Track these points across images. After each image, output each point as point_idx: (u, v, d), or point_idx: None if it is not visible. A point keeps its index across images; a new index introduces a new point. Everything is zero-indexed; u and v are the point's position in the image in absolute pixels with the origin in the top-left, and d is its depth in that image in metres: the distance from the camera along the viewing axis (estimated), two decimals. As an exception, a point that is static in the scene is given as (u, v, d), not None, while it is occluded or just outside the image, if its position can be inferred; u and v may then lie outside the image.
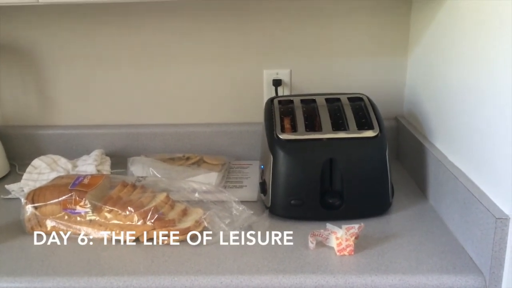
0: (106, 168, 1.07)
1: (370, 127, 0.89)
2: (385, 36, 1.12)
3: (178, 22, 1.13)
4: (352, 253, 0.76)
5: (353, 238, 0.76)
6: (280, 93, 1.15)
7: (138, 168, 1.04)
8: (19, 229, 0.86)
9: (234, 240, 0.81)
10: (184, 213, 0.86)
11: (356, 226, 0.77)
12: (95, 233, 0.83)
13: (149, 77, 1.17)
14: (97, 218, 0.84)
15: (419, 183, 1.00)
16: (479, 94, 0.76)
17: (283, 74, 1.15)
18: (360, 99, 0.97)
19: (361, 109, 0.95)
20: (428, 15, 0.99)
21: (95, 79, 1.18)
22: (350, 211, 0.86)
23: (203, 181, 0.98)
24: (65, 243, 0.82)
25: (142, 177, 0.95)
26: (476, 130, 0.77)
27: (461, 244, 0.78)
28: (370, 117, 0.92)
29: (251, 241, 0.81)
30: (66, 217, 0.84)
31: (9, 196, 1.00)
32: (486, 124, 0.74)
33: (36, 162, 1.06)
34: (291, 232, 0.83)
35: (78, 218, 0.84)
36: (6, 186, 1.03)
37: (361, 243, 0.78)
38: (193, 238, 0.82)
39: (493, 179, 0.72)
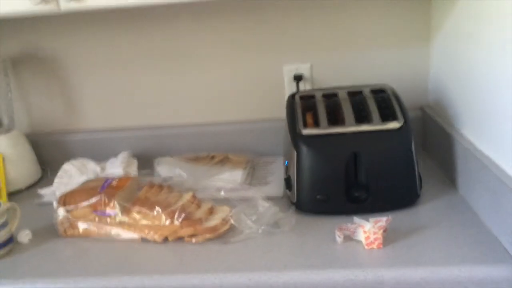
0: (133, 170, 1.09)
1: (394, 118, 0.88)
2: (406, 24, 1.10)
3: (197, 23, 1.14)
4: (381, 246, 0.75)
5: (381, 231, 0.75)
6: (301, 88, 1.15)
7: (164, 169, 1.05)
8: (53, 232, 0.89)
9: (261, 237, 0.81)
10: (211, 211, 0.87)
11: (384, 219, 0.76)
12: (125, 234, 0.85)
13: (171, 79, 1.19)
14: (127, 219, 0.85)
15: (447, 174, 0.98)
16: (507, 79, 0.74)
17: (304, 69, 1.15)
18: (383, 90, 0.96)
19: (384, 100, 0.93)
20: (450, 1, 0.96)
21: (118, 83, 1.20)
22: (377, 204, 0.85)
23: (229, 179, 0.99)
24: (96, 244, 0.84)
25: (168, 177, 0.96)
26: (506, 116, 0.75)
27: (494, 234, 0.76)
28: (394, 108, 0.90)
29: (278, 237, 0.81)
30: (96, 219, 0.86)
31: (42, 201, 1.03)
32: (515, 110, 0.72)
33: (67, 166, 1.09)
34: (318, 227, 0.83)
35: (108, 220, 0.86)
36: (39, 191, 1.06)
37: (389, 236, 0.77)
38: (220, 236, 0.83)
39: (524, 167, 0.70)
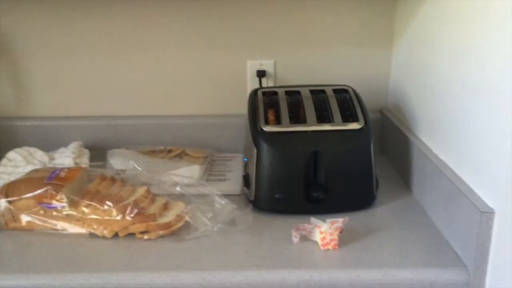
0: (84, 161, 1.04)
1: (355, 119, 0.88)
2: (370, 27, 1.11)
3: (160, 11, 1.10)
4: (336, 247, 0.75)
5: (338, 232, 0.75)
6: (264, 84, 1.13)
7: (118, 161, 1.01)
8: (-7, 224, 0.83)
9: (217, 235, 0.79)
10: (165, 207, 0.84)
11: (341, 220, 0.76)
12: (72, 228, 0.81)
13: (130, 68, 1.14)
14: (74, 213, 0.81)
15: (403, 176, 1.00)
16: (464, 86, 0.75)
17: (267, 65, 1.13)
18: (345, 91, 0.96)
19: (346, 101, 0.93)
20: (414, 6, 0.98)
21: (73, 68, 1.14)
22: (334, 204, 0.85)
23: (185, 174, 0.96)
24: (40, 238, 0.80)
25: (122, 170, 0.93)
26: (461, 123, 0.77)
27: (446, 238, 0.78)
28: (355, 109, 0.90)
29: (234, 235, 0.80)
30: (41, 211, 0.82)
31: (-18, 190, 0.96)
32: (470, 117, 0.73)
33: (11, 154, 1.02)
34: (275, 226, 0.82)
35: (55, 213, 0.81)
36: (-21, 180, 0.99)
37: (345, 237, 0.77)
38: (174, 233, 0.80)
39: (477, 172, 0.71)
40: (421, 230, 0.81)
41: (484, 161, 0.69)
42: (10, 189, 0.83)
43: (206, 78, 1.15)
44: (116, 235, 0.80)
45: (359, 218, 0.85)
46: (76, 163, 1.01)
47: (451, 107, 0.80)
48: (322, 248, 0.75)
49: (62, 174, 0.85)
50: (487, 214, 0.66)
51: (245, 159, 0.93)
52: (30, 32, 1.11)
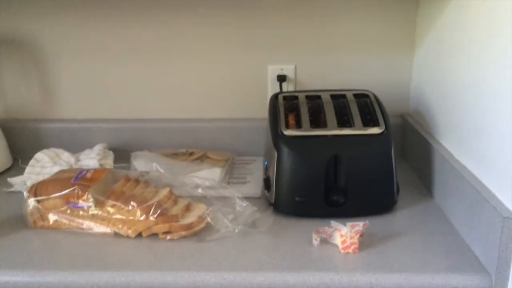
0: (109, 163, 1.06)
1: (376, 124, 0.88)
2: (392, 32, 1.11)
3: (184, 17, 1.12)
4: (357, 251, 0.76)
5: (358, 235, 0.76)
6: (284, 89, 1.14)
7: (141, 163, 1.03)
8: (22, 223, 0.86)
9: (238, 237, 0.80)
10: (187, 208, 0.86)
11: (361, 223, 0.76)
12: (98, 228, 0.83)
13: (153, 72, 1.17)
14: (100, 213, 0.83)
15: (424, 181, 0.99)
16: (486, 91, 0.75)
17: (288, 70, 1.14)
18: (366, 95, 0.96)
19: (367, 105, 0.94)
20: (435, 11, 0.97)
21: (99, 72, 1.17)
22: (354, 208, 0.86)
23: (206, 176, 0.98)
24: (67, 237, 0.82)
25: (145, 172, 0.95)
26: (483, 127, 0.76)
27: (467, 243, 0.77)
28: (376, 114, 0.91)
29: (254, 237, 0.81)
30: (68, 211, 0.84)
31: (12, 190, 0.99)
32: (492, 121, 0.73)
33: (39, 155, 1.06)
34: (295, 229, 0.82)
35: (81, 212, 0.84)
36: (9, 180, 1.02)
37: (365, 241, 0.77)
38: (196, 234, 0.81)
39: (500, 178, 0.71)
40: (442, 235, 0.81)
41: (506, 166, 0.69)
42: (39, 189, 0.86)
43: (227, 82, 1.16)
44: (139, 235, 0.81)
45: (380, 222, 0.85)
46: (101, 165, 1.04)
47: (472, 112, 0.80)
48: (342, 251, 0.76)
49: (88, 175, 0.87)
50: (509, 220, 0.66)
51: (265, 163, 0.94)
52: (58, 38, 1.15)
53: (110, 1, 1.11)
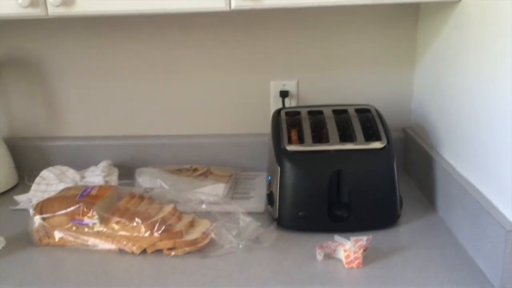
0: (113, 179, 1.07)
1: (378, 138, 0.89)
2: (392, 48, 1.13)
3: (186, 35, 1.14)
4: (361, 265, 0.76)
5: (362, 250, 0.76)
6: (287, 104, 1.15)
7: (146, 179, 1.04)
8: (27, 240, 0.86)
9: (241, 252, 0.81)
10: (191, 224, 0.86)
11: (365, 238, 0.76)
12: (103, 244, 0.83)
13: (156, 89, 1.18)
14: (105, 229, 0.84)
15: (427, 195, 0.99)
16: (486, 105, 0.76)
17: (290, 86, 1.16)
18: (368, 110, 0.97)
19: (369, 120, 0.94)
20: (435, 27, 0.99)
21: (102, 90, 1.19)
22: (358, 223, 0.86)
23: (210, 192, 0.98)
24: (72, 254, 0.82)
25: (149, 188, 0.95)
26: (484, 140, 0.77)
27: (471, 256, 0.77)
28: (377, 128, 0.91)
29: (258, 253, 0.81)
30: (74, 228, 0.85)
31: (18, 207, 1.00)
32: (494, 134, 0.73)
33: (45, 173, 1.07)
34: (299, 244, 0.83)
35: (86, 229, 0.84)
36: (15, 197, 1.03)
37: (369, 256, 0.78)
38: (200, 249, 0.82)
39: (503, 190, 0.71)
40: (446, 248, 0.80)
41: (508, 179, 0.69)
42: (44, 206, 0.86)
43: (230, 98, 1.18)
44: (144, 251, 0.82)
45: (383, 236, 0.85)
46: (105, 181, 1.05)
47: (475, 126, 0.81)
48: (346, 266, 0.76)
49: (93, 192, 0.88)
50: (513, 233, 0.66)
51: (268, 178, 0.95)
52: (62, 56, 1.17)
53: (114, 22, 1.13)
